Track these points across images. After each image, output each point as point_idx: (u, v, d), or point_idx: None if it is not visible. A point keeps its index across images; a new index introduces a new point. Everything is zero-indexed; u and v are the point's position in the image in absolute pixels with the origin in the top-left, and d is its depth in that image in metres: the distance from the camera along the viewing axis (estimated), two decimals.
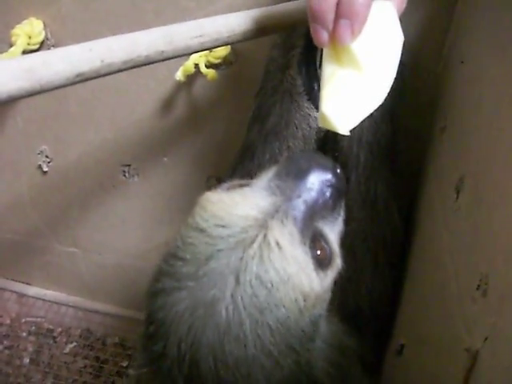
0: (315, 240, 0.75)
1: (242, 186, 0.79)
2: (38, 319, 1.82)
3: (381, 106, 0.76)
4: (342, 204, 0.82)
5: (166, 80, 1.30)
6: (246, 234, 0.70)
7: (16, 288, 1.85)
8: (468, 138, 0.82)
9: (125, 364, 1.70)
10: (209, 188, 0.79)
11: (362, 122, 0.82)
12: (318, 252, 0.75)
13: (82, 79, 0.68)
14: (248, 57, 1.23)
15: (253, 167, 1.04)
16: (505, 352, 0.53)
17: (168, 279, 0.71)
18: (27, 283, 1.85)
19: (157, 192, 1.52)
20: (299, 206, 0.74)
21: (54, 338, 1.78)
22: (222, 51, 1.20)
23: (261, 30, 0.81)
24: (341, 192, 0.80)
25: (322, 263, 0.74)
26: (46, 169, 1.54)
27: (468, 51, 0.94)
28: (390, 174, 1.03)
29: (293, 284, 0.68)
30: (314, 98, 1.02)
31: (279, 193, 0.74)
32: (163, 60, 0.76)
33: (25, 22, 1.28)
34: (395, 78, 0.75)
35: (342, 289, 0.86)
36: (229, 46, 1.19)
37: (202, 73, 1.21)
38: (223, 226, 0.71)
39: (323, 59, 0.75)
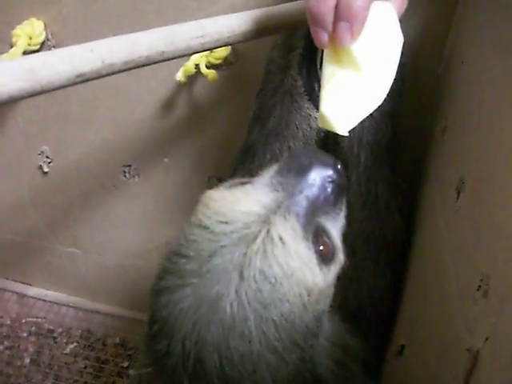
0: (318, 235, 0.75)
1: (243, 183, 0.79)
2: (39, 320, 1.81)
3: (381, 106, 0.76)
4: (344, 200, 0.83)
5: (166, 80, 1.30)
6: (249, 230, 0.70)
7: (16, 288, 1.85)
8: (469, 139, 0.82)
9: (125, 364, 1.70)
10: (210, 188, 0.80)
11: (362, 122, 0.82)
12: (321, 247, 0.75)
13: (83, 80, 0.68)
14: (249, 57, 1.23)
15: (253, 168, 1.04)
16: (505, 352, 0.53)
17: (172, 277, 0.71)
18: (28, 284, 1.85)
19: (157, 192, 1.52)
20: (301, 201, 0.74)
21: (55, 338, 1.78)
22: (223, 52, 1.20)
23: (261, 30, 0.81)
24: (342, 188, 0.81)
25: (324, 258, 0.75)
26: (46, 169, 1.54)
27: (469, 52, 0.94)
28: (391, 175, 1.03)
29: (296, 279, 0.69)
30: (314, 98, 1.02)
31: (281, 189, 0.75)
32: (164, 60, 0.76)
33: (25, 22, 1.28)
34: (396, 79, 0.75)
35: (343, 289, 0.86)
36: (229, 47, 1.19)
37: (202, 73, 1.21)
38: (226, 223, 0.71)
39: (323, 60, 0.76)
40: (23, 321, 1.82)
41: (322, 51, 0.77)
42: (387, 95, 0.74)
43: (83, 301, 1.80)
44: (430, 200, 1.00)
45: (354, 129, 0.98)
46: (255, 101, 1.09)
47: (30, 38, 1.27)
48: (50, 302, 1.82)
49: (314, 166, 0.77)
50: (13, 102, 0.65)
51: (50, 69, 0.65)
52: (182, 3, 1.19)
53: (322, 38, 0.71)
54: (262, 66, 1.09)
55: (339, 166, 0.81)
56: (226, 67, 1.25)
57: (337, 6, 0.68)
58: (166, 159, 1.45)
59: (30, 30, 1.27)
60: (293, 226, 0.72)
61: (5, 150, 1.56)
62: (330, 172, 0.78)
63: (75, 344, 1.77)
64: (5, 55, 1.24)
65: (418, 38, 1.11)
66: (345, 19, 0.69)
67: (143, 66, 0.74)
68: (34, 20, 1.28)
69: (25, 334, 1.79)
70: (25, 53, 1.26)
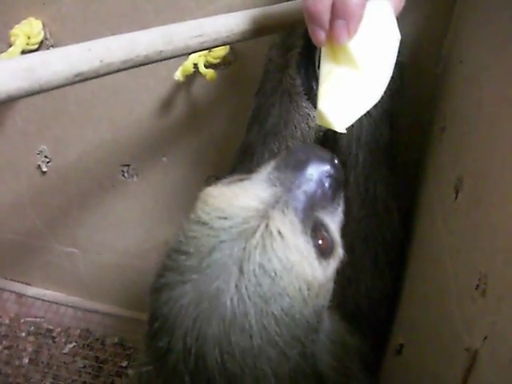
0: (316, 230, 0.76)
1: (241, 179, 0.80)
2: (38, 319, 1.81)
3: (380, 105, 0.76)
4: (341, 194, 0.83)
5: (165, 80, 1.30)
6: (248, 225, 0.70)
7: (15, 288, 1.85)
8: (467, 138, 0.82)
9: (124, 364, 1.70)
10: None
11: (361, 122, 0.82)
12: (320, 241, 0.75)
13: (81, 79, 0.68)
14: (247, 57, 1.23)
15: (252, 167, 1.04)
16: (504, 351, 0.53)
17: (171, 274, 0.72)
18: (26, 283, 1.85)
19: (156, 192, 1.52)
20: (299, 196, 0.75)
21: (54, 338, 1.78)
22: (221, 51, 1.20)
23: (260, 29, 0.81)
24: (339, 182, 0.81)
25: (323, 252, 0.75)
26: (45, 169, 1.54)
27: (467, 51, 0.94)
28: (389, 174, 1.03)
29: (296, 272, 0.69)
30: (313, 97, 1.02)
31: (279, 184, 0.75)
32: (162, 60, 0.76)
33: (24, 22, 1.28)
34: (394, 78, 0.75)
35: (341, 288, 0.86)
36: (228, 46, 1.19)
37: (201, 73, 1.21)
38: (225, 218, 0.71)
39: (321, 58, 0.76)
40: (22, 320, 1.82)
41: (320, 50, 0.77)
42: (385, 95, 0.75)
43: (82, 300, 1.80)
44: (429, 199, 1.00)
45: (352, 128, 0.98)
46: (254, 100, 1.09)
47: (29, 38, 1.27)
48: (48, 301, 1.82)
49: (311, 161, 0.78)
50: (11, 101, 0.65)
51: (48, 68, 0.65)
52: (180, 3, 1.19)
53: (320, 36, 0.72)
54: (260, 65, 1.09)
55: (336, 161, 0.81)
56: (225, 66, 1.25)
57: (333, 5, 0.69)
58: (164, 159, 1.45)
59: (29, 29, 1.27)
60: (291, 220, 0.72)
61: (3, 149, 1.56)
62: (328, 167, 0.79)
63: (74, 344, 1.77)
64: (3, 55, 1.24)
65: (417, 37, 1.11)
66: (341, 17, 0.69)
67: (141, 65, 0.74)
68: (32, 19, 1.28)
69: (23, 334, 1.79)
70: (23, 52, 1.26)
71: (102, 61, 0.69)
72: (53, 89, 0.66)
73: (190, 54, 1.08)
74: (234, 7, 1.13)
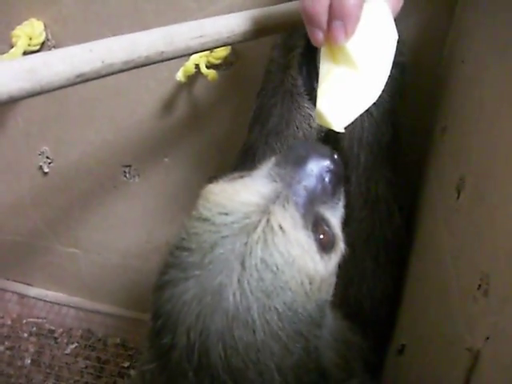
0: (317, 224, 0.76)
1: (242, 176, 0.80)
2: (39, 320, 1.82)
3: (381, 106, 0.76)
4: (342, 189, 0.84)
5: (166, 80, 1.30)
6: (249, 220, 0.71)
7: (17, 289, 1.85)
8: (469, 138, 0.82)
9: (126, 364, 1.70)
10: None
11: (362, 122, 0.82)
12: (321, 236, 0.76)
13: (83, 80, 0.68)
14: (248, 57, 1.23)
15: (254, 168, 1.04)
16: (506, 351, 0.53)
17: (174, 271, 0.72)
18: (28, 284, 1.85)
19: (158, 192, 1.52)
20: (300, 191, 0.75)
21: (55, 338, 1.78)
22: (223, 52, 1.20)
23: (261, 30, 0.81)
24: (339, 177, 0.82)
25: (325, 247, 0.76)
26: (46, 170, 1.54)
27: (469, 51, 0.94)
28: (391, 174, 1.03)
29: (298, 266, 0.69)
30: (314, 98, 1.01)
31: (279, 179, 0.76)
32: (163, 60, 0.76)
33: (25, 22, 1.28)
34: (396, 78, 0.75)
35: (343, 288, 0.86)
36: (229, 47, 1.19)
37: (202, 73, 1.21)
38: (226, 214, 0.72)
39: (320, 58, 0.77)
40: (24, 321, 1.82)
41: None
42: (387, 95, 0.75)
43: (84, 301, 1.80)
44: (431, 199, 1.00)
45: (354, 129, 0.98)
46: (255, 100, 1.09)
47: (30, 39, 1.27)
48: (50, 302, 1.82)
49: (311, 156, 0.79)
50: (13, 102, 0.65)
51: (49, 69, 0.65)
52: (181, 3, 1.19)
53: (318, 36, 0.73)
54: (261, 65, 1.09)
55: (336, 157, 0.82)
56: (226, 67, 1.25)
57: (331, 6, 0.70)
58: (166, 159, 1.45)
59: (30, 30, 1.27)
60: (292, 214, 0.72)
61: (5, 150, 1.56)
62: (327, 162, 0.79)
63: (76, 344, 1.77)
64: (5, 56, 1.24)
65: (418, 37, 1.11)
66: (339, 18, 0.70)
67: (143, 66, 0.74)
68: (33, 20, 1.28)
69: (25, 335, 1.79)
70: (25, 53, 1.26)
71: (103, 62, 0.69)
72: (54, 90, 0.66)
73: (192, 54, 1.08)
74: (235, 8, 1.13)
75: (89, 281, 1.77)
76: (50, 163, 1.54)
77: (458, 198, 0.79)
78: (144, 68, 0.75)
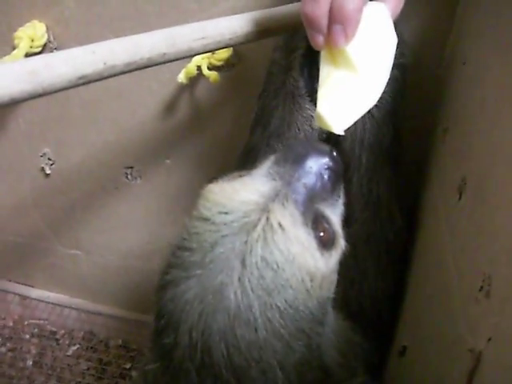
0: (317, 222, 0.77)
1: (241, 175, 0.80)
2: (41, 321, 1.82)
3: (383, 107, 0.77)
4: (341, 186, 0.84)
5: (168, 82, 1.30)
6: (249, 218, 0.71)
7: (19, 290, 1.85)
8: (470, 139, 0.82)
9: (128, 366, 1.70)
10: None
11: (364, 123, 0.82)
12: (321, 233, 0.76)
13: (85, 82, 0.69)
14: (250, 59, 1.23)
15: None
16: (508, 353, 0.53)
17: (176, 270, 0.73)
18: (30, 285, 1.85)
19: (159, 194, 1.52)
20: (299, 189, 0.76)
21: (57, 340, 1.79)
22: (225, 53, 1.20)
23: (263, 31, 0.81)
24: (339, 174, 0.82)
25: (325, 244, 0.76)
26: (48, 171, 1.54)
27: (470, 52, 0.94)
28: (392, 175, 1.03)
29: (298, 264, 0.70)
30: (316, 99, 1.01)
31: (278, 178, 0.76)
32: (165, 62, 0.76)
33: (27, 24, 1.28)
34: (397, 80, 0.75)
35: (344, 289, 0.86)
36: (231, 48, 1.19)
37: (204, 75, 1.21)
38: (226, 213, 0.72)
39: (320, 61, 0.77)
40: (26, 323, 1.82)
41: None
42: (388, 96, 0.75)
43: (85, 302, 1.81)
44: (432, 200, 1.00)
45: (355, 130, 0.98)
46: (257, 102, 1.09)
47: (32, 41, 1.27)
48: (52, 303, 1.83)
49: (310, 154, 0.79)
50: (15, 103, 0.65)
51: (51, 71, 0.65)
52: (183, 5, 1.19)
53: (318, 40, 0.73)
54: (263, 67, 1.09)
55: (335, 154, 0.82)
56: (228, 69, 1.25)
57: (331, 10, 0.70)
58: (167, 161, 1.45)
59: (32, 32, 1.27)
60: (291, 212, 0.73)
61: (7, 151, 1.56)
62: (326, 159, 0.80)
63: (78, 346, 1.77)
64: (7, 57, 1.24)
65: (420, 38, 1.11)
66: (338, 22, 0.70)
67: (145, 67, 0.74)
68: (35, 22, 1.29)
69: (27, 336, 1.79)
70: (27, 55, 1.26)
71: (105, 63, 0.69)
72: (56, 91, 0.67)
73: (194, 56, 1.08)
74: (237, 9, 1.13)
75: (90, 282, 1.77)
76: (51, 165, 1.54)
77: (459, 198, 0.79)
78: (146, 70, 0.75)
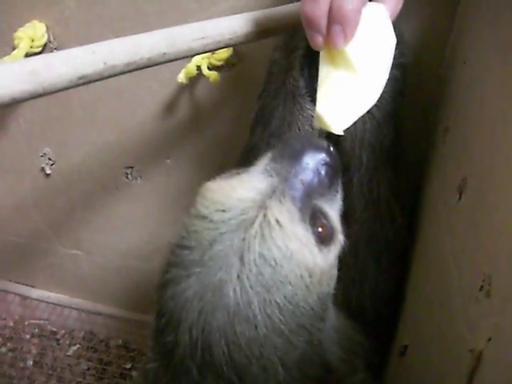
0: (315, 217, 0.77)
1: (239, 173, 0.80)
2: (42, 321, 1.82)
3: (383, 107, 0.76)
4: (339, 182, 0.84)
5: (168, 82, 1.30)
6: (246, 216, 0.72)
7: (19, 290, 1.85)
8: (471, 139, 0.82)
9: (128, 366, 1.70)
10: None
11: (364, 123, 0.82)
12: (320, 229, 0.76)
13: (85, 82, 0.69)
14: (250, 59, 1.23)
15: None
16: (508, 352, 0.53)
17: (176, 269, 0.73)
18: (30, 285, 1.85)
19: (160, 194, 1.52)
20: (296, 185, 0.76)
21: (58, 340, 1.78)
22: (224, 53, 1.20)
23: (263, 31, 0.81)
24: (336, 169, 0.82)
25: (324, 239, 0.76)
26: (49, 171, 1.54)
27: (471, 52, 0.94)
28: (393, 175, 1.03)
29: (296, 260, 0.70)
30: (316, 99, 1.02)
31: (275, 174, 0.76)
32: (165, 62, 0.76)
33: (27, 24, 1.28)
34: (397, 79, 0.76)
35: (345, 289, 0.86)
36: (231, 48, 1.19)
37: (204, 75, 1.21)
38: (223, 211, 0.72)
39: (320, 61, 0.77)
40: (26, 323, 1.82)
41: None
42: (389, 96, 0.75)
43: (86, 302, 1.81)
44: (432, 200, 1.00)
45: (355, 130, 0.98)
46: (257, 102, 1.09)
47: (32, 41, 1.28)
48: (52, 303, 1.83)
49: (306, 150, 0.79)
50: (15, 104, 0.65)
51: (51, 71, 0.65)
52: (183, 5, 1.19)
53: (317, 40, 0.73)
54: (263, 67, 1.09)
55: (332, 149, 0.82)
56: (228, 69, 1.25)
57: (330, 10, 0.70)
58: (168, 161, 1.45)
59: (32, 32, 1.27)
60: (289, 208, 0.73)
61: (7, 152, 1.56)
62: (323, 155, 0.80)
63: (78, 346, 1.77)
64: (7, 57, 1.24)
65: (420, 38, 1.11)
66: (338, 22, 0.71)
67: (145, 67, 0.74)
68: (36, 22, 1.29)
69: (28, 336, 1.79)
70: (27, 55, 1.26)
71: (105, 63, 0.69)
72: (56, 91, 0.67)
73: (194, 56, 1.08)
74: (237, 9, 1.13)
75: (91, 282, 1.77)
76: (52, 165, 1.54)
77: (459, 198, 0.79)
78: (146, 70, 0.75)
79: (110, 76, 0.71)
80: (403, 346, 0.95)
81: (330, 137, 1.03)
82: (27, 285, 1.85)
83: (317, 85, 1.03)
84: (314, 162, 0.78)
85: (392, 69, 0.78)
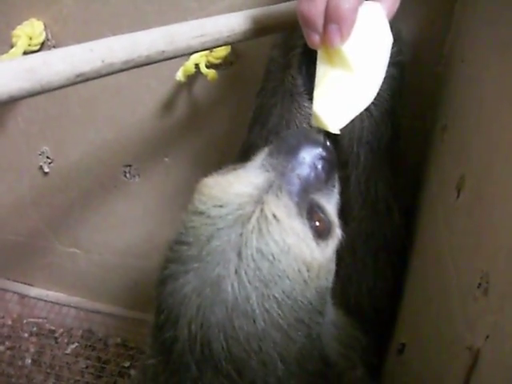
0: (312, 212, 0.77)
1: (236, 168, 0.81)
2: (40, 320, 1.82)
3: (381, 105, 0.76)
4: (336, 176, 0.84)
5: (166, 80, 1.30)
6: (243, 211, 0.72)
7: (18, 289, 1.85)
8: (469, 137, 0.82)
9: (127, 364, 1.70)
10: None
11: (362, 121, 0.82)
12: (317, 223, 0.76)
13: (83, 79, 0.69)
14: (248, 57, 1.23)
15: None
16: (506, 350, 0.53)
17: (174, 265, 0.73)
18: (29, 284, 1.85)
19: (158, 192, 1.52)
20: (292, 179, 0.76)
21: (56, 338, 1.78)
22: (223, 51, 1.20)
23: (261, 29, 0.81)
24: (333, 164, 0.82)
25: (321, 233, 0.76)
26: (47, 170, 1.54)
27: (469, 50, 0.94)
28: (391, 173, 1.03)
29: (294, 254, 0.70)
30: None
31: (272, 169, 0.76)
32: (164, 60, 0.76)
33: (25, 22, 1.28)
34: (395, 78, 0.76)
35: (342, 288, 0.86)
36: (229, 46, 1.19)
37: (202, 73, 1.21)
38: (221, 206, 0.73)
39: (317, 60, 0.78)
40: (24, 321, 1.82)
41: None
42: (387, 94, 0.75)
43: (84, 301, 1.81)
44: (430, 198, 1.00)
45: (353, 128, 0.98)
46: (255, 100, 1.09)
47: (30, 39, 1.27)
48: (51, 302, 1.82)
49: (302, 145, 0.79)
50: (13, 101, 0.65)
51: (49, 68, 0.65)
52: (182, 3, 1.19)
53: (314, 39, 0.73)
54: (261, 65, 1.09)
55: (328, 143, 0.82)
56: (226, 67, 1.25)
57: (326, 9, 0.71)
58: (166, 159, 1.45)
59: (30, 30, 1.27)
60: (286, 203, 0.73)
61: (5, 150, 1.56)
62: (319, 149, 0.80)
63: (76, 344, 1.77)
64: (5, 55, 1.24)
65: (418, 36, 1.11)
66: (334, 21, 0.71)
67: (143, 65, 0.74)
68: (34, 20, 1.29)
69: (26, 335, 1.79)
70: (25, 53, 1.26)
71: (103, 61, 0.69)
72: (54, 89, 0.67)
73: (192, 54, 1.08)
74: (235, 7, 1.13)
75: (89, 281, 1.77)
76: (50, 163, 1.54)
77: (457, 196, 0.79)
78: (144, 68, 0.75)
79: (108, 74, 0.71)
80: (401, 343, 0.95)
81: (328, 134, 1.03)
82: (25, 283, 1.85)
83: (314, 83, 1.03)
84: (310, 156, 0.79)
85: (390, 67, 0.79)
